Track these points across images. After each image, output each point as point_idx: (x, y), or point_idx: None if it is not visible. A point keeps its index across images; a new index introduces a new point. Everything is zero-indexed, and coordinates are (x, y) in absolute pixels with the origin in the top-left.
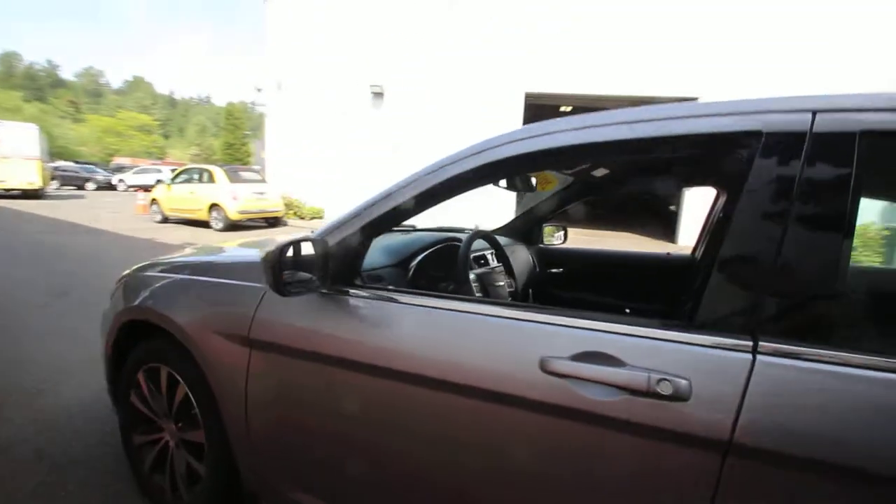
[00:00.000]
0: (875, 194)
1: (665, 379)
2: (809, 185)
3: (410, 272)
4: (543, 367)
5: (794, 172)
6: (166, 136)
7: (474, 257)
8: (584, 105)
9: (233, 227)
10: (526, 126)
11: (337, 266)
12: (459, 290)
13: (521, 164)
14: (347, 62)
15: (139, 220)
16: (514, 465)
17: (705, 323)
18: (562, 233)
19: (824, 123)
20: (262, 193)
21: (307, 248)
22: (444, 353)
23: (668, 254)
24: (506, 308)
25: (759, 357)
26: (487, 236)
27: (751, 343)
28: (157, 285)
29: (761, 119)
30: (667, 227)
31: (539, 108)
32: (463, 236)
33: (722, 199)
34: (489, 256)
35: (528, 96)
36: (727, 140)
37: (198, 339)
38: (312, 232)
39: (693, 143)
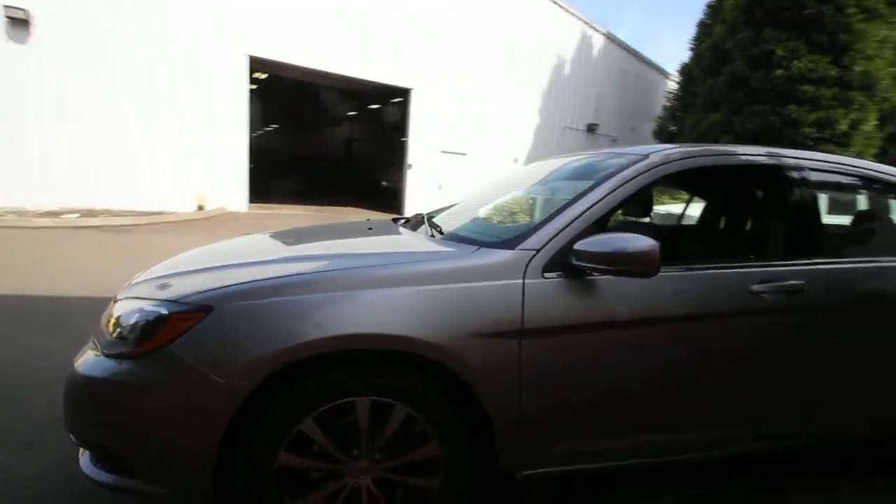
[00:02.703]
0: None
1: (796, 283)
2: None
3: None
4: (749, 291)
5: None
6: None
7: None
8: (306, 79)
9: None
10: (696, 147)
11: None
12: None
13: (693, 175)
14: None
15: None
16: (731, 345)
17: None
18: None
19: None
20: None
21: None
22: (716, 294)
23: None
24: (719, 265)
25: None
26: None
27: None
28: (352, 306)
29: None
30: (394, 201)
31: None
32: None
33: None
34: None
35: (254, 61)
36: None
37: (455, 347)
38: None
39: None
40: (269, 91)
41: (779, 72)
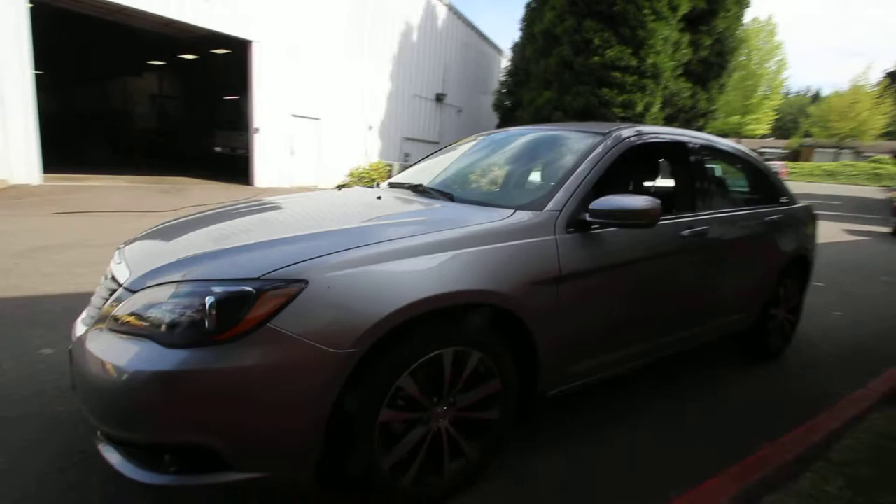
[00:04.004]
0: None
1: (702, 228)
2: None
3: None
4: (681, 235)
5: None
6: None
7: None
8: (109, 17)
9: None
10: (648, 127)
11: None
12: None
13: (641, 149)
14: None
15: None
16: (673, 275)
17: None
18: None
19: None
20: None
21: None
22: (664, 239)
23: None
24: (671, 217)
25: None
26: None
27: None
28: (432, 267)
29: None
30: (237, 168)
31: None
32: None
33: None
34: None
35: None
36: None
37: (517, 295)
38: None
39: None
40: (60, 32)
41: (596, 58)
